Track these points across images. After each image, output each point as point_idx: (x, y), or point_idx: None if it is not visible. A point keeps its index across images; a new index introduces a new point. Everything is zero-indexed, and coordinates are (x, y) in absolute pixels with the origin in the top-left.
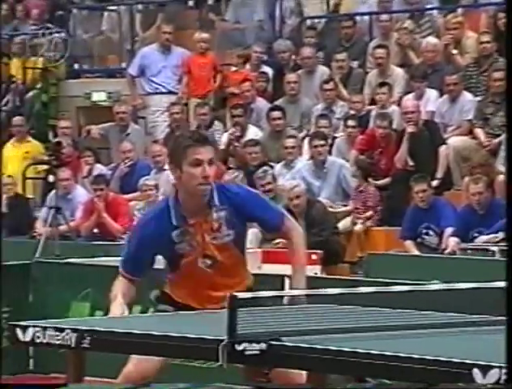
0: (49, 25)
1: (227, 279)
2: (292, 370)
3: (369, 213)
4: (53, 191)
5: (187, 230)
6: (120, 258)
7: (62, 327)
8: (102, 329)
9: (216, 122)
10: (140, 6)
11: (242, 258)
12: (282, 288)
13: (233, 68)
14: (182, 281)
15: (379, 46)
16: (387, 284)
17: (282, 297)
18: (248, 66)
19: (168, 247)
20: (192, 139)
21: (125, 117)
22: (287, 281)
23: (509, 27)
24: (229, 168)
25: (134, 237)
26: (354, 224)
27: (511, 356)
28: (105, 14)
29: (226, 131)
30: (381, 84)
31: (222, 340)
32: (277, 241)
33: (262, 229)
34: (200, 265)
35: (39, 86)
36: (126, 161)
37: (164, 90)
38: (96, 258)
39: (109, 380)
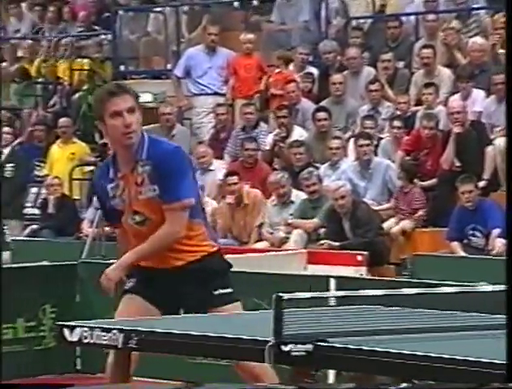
0: (96, 27)
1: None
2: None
3: (415, 214)
4: None
5: (118, 184)
6: None
7: (109, 327)
8: (149, 329)
9: (262, 123)
10: (186, 8)
11: None
12: (327, 289)
13: (278, 69)
14: (127, 241)
15: (425, 46)
16: (433, 286)
17: (328, 297)
18: (291, 67)
19: (106, 201)
20: (107, 92)
21: (170, 119)
22: (332, 282)
23: (509, 27)
24: (274, 170)
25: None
26: (399, 225)
27: (511, 356)
28: (151, 15)
29: (271, 132)
30: (428, 85)
31: (268, 341)
32: (322, 241)
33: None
34: (130, 222)
35: (85, 87)
36: None
37: (209, 91)
38: None
39: (156, 380)
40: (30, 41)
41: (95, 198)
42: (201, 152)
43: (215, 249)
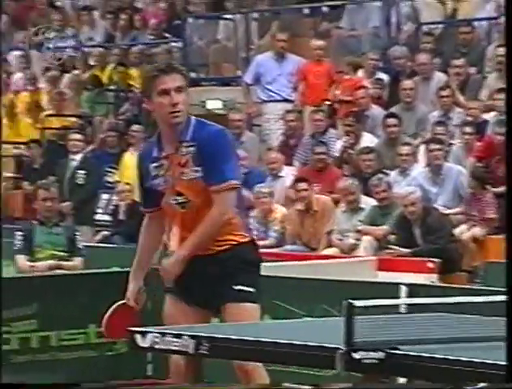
0: (166, 34)
1: (195, 219)
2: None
3: (487, 221)
4: None
5: (162, 164)
6: None
7: (181, 333)
8: (220, 336)
9: (331, 129)
10: (256, 14)
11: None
12: (398, 296)
13: (349, 75)
14: (157, 228)
15: (499, 46)
16: (505, 294)
17: (399, 305)
18: (361, 73)
19: (147, 181)
20: (157, 69)
21: (240, 125)
22: (403, 289)
23: (509, 27)
24: (344, 176)
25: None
26: (470, 231)
27: (511, 356)
28: (221, 22)
29: (340, 139)
30: (500, 90)
31: (339, 349)
32: (392, 248)
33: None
34: (171, 202)
35: None
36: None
37: (279, 98)
38: None
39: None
40: (101, 49)
41: (137, 181)
42: (271, 159)
43: (246, 239)
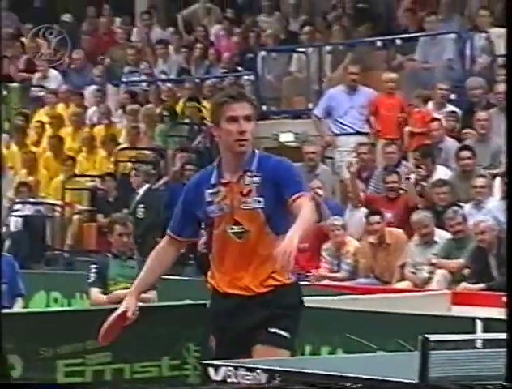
0: (239, 68)
1: (258, 257)
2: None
3: None
4: None
5: (220, 190)
6: None
7: (253, 366)
8: (293, 369)
9: (404, 162)
10: (329, 47)
11: (274, 238)
12: (473, 331)
13: (419, 108)
14: (216, 256)
15: None
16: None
17: (474, 340)
18: (431, 106)
19: (199, 207)
20: (227, 96)
21: (314, 158)
22: (479, 323)
23: (509, 27)
24: (417, 209)
25: (182, 196)
26: None
27: (511, 356)
28: (294, 55)
29: (413, 171)
30: None
31: (414, 383)
32: (463, 285)
33: (280, 195)
34: (228, 232)
35: None
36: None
37: (351, 130)
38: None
39: None
40: (174, 83)
41: (179, 205)
42: (344, 191)
43: (290, 281)
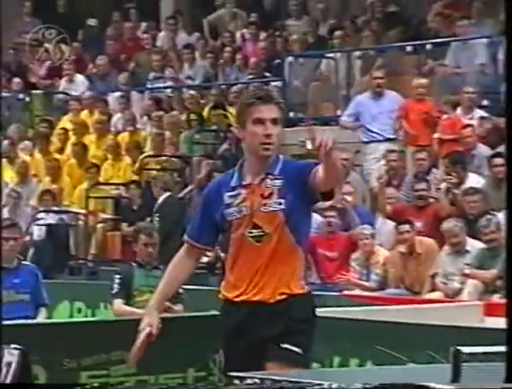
0: (265, 73)
1: (275, 262)
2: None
3: None
4: None
5: (240, 193)
6: None
7: (279, 378)
8: (320, 381)
9: (434, 169)
10: (358, 52)
11: (294, 244)
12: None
13: (448, 114)
14: (231, 262)
15: None
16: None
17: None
18: (460, 111)
19: (217, 209)
20: (255, 97)
21: (345, 164)
22: None
23: (509, 27)
24: (448, 216)
25: (201, 200)
26: None
27: (511, 356)
28: (322, 60)
29: (444, 179)
30: None
31: None
32: (497, 294)
33: (307, 180)
34: (247, 236)
35: None
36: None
37: (379, 137)
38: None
39: None
40: (200, 89)
41: (198, 210)
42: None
43: (304, 291)
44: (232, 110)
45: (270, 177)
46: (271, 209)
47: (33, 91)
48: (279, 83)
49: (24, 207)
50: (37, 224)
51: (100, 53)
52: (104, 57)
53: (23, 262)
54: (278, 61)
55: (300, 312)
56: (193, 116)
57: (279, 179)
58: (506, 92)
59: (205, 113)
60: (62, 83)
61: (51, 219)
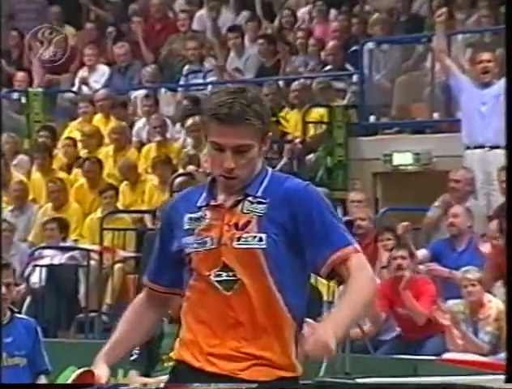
0: (331, 65)
1: (252, 321)
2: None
3: None
4: None
5: (204, 216)
6: None
7: None
8: None
9: None
10: (465, 35)
11: (280, 305)
12: None
13: None
14: (190, 314)
15: None
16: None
17: None
18: None
19: (174, 238)
20: (212, 114)
21: (459, 188)
22: None
23: (509, 27)
24: None
25: (158, 225)
26: None
27: (511, 356)
28: (415, 47)
29: None
30: None
31: None
32: None
33: (310, 260)
34: (212, 280)
35: (321, 148)
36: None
37: (497, 143)
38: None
39: None
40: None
41: (156, 241)
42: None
43: (296, 374)
44: (292, 113)
45: (249, 198)
46: (247, 246)
47: (31, 90)
48: (354, 78)
49: (19, 243)
50: (36, 265)
51: (118, 38)
52: (125, 45)
53: (18, 316)
54: (354, 48)
55: None
56: None
57: (262, 203)
58: (506, 92)
59: None
60: (80, 75)
61: (54, 258)
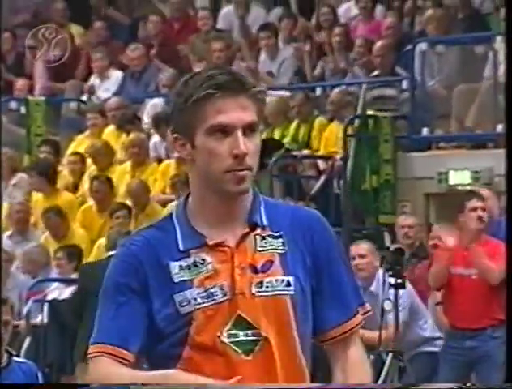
0: (377, 69)
1: (265, 381)
2: None
3: None
4: None
5: (202, 259)
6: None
7: None
8: None
9: None
10: None
11: (300, 358)
12: None
13: None
14: None
15: None
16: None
17: None
18: None
19: (164, 295)
20: (210, 85)
21: None
22: None
23: (509, 26)
24: None
25: (108, 279)
26: None
27: (511, 356)
28: (474, 48)
29: None
30: None
31: None
32: None
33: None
34: (227, 342)
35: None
36: None
37: None
38: None
39: None
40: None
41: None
42: None
43: None
44: (334, 125)
45: (258, 231)
46: (274, 293)
47: (31, 99)
48: (404, 84)
49: (18, 275)
50: (37, 301)
51: (132, 39)
52: (139, 47)
53: (16, 359)
54: (407, 48)
55: None
56: (276, 133)
57: (277, 237)
58: (506, 92)
59: (290, 130)
60: (92, 81)
61: (57, 292)
